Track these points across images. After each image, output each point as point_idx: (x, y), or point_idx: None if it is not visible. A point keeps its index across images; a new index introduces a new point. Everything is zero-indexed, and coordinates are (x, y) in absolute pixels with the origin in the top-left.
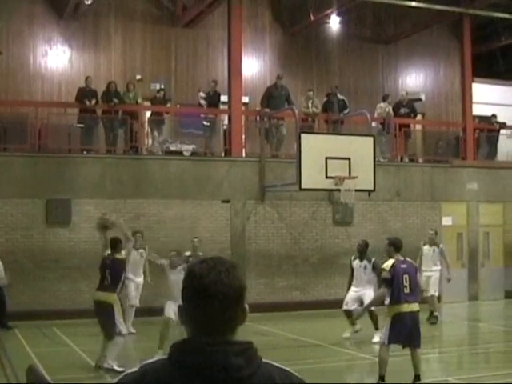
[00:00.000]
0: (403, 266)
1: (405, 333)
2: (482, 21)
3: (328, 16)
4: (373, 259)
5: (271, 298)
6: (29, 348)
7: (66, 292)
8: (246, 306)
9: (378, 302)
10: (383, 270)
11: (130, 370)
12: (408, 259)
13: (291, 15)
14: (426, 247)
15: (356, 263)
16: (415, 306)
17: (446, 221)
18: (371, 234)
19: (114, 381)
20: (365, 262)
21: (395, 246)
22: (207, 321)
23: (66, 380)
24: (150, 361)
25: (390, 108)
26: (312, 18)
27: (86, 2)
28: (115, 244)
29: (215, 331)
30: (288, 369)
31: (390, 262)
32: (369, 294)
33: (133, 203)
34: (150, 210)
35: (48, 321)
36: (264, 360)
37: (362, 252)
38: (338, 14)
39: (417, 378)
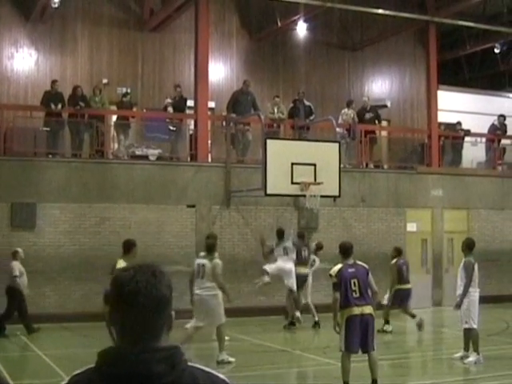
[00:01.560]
0: (351, 270)
1: (358, 337)
2: (447, 29)
3: (295, 22)
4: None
5: (236, 303)
6: None
7: (30, 296)
8: (172, 313)
9: (334, 307)
10: (330, 275)
11: (62, 383)
12: (359, 262)
13: (258, 21)
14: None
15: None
16: (366, 309)
17: (411, 227)
18: (336, 239)
19: None
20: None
21: (342, 251)
22: (129, 329)
23: None
24: (80, 371)
25: (355, 114)
26: (279, 24)
27: (53, 6)
28: None
29: (138, 339)
30: (213, 371)
31: (337, 267)
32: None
33: (98, 207)
34: (116, 214)
35: (12, 325)
36: (190, 363)
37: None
38: (305, 21)
39: (374, 382)
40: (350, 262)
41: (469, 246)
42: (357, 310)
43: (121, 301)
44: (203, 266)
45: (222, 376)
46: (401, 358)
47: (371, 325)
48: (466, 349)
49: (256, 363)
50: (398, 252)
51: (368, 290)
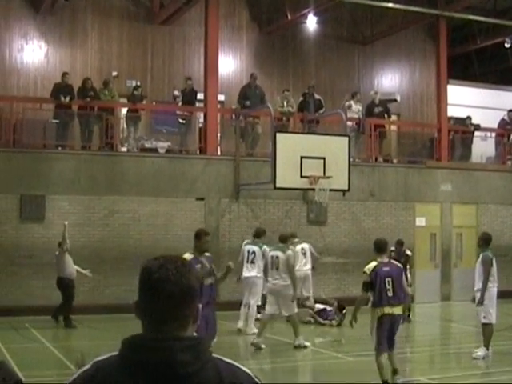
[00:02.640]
0: (385, 268)
1: (386, 336)
2: (457, 23)
3: (305, 16)
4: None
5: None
6: (1, 344)
7: (38, 288)
8: (199, 305)
9: (358, 304)
10: (364, 272)
11: (83, 368)
12: (393, 261)
13: (268, 14)
14: None
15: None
16: (397, 309)
17: (420, 221)
18: (345, 233)
19: (70, 380)
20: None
21: (377, 247)
22: (155, 317)
23: (37, 376)
24: (103, 357)
25: (362, 107)
26: (289, 17)
27: None
28: None
29: (163, 328)
30: (236, 364)
31: (372, 264)
32: None
33: (107, 200)
34: (125, 207)
35: (20, 317)
36: (214, 355)
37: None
38: (315, 14)
39: (395, 371)
40: (385, 260)
41: (486, 241)
42: (389, 310)
43: (149, 288)
44: (277, 257)
45: (245, 368)
46: (409, 352)
47: (398, 324)
48: (488, 346)
49: (266, 357)
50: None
51: (400, 290)
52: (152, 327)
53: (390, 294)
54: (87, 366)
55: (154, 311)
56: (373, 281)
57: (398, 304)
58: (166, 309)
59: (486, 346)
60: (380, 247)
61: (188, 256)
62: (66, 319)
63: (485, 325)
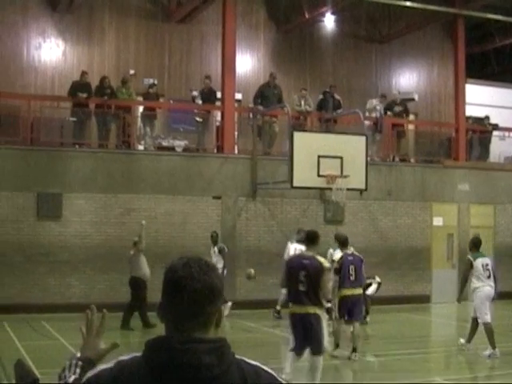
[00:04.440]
0: (350, 258)
1: (347, 310)
2: (475, 22)
3: (322, 14)
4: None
5: (261, 295)
6: (18, 341)
7: (55, 286)
8: (222, 307)
9: (333, 287)
10: (334, 261)
11: (104, 366)
12: (355, 253)
13: (286, 13)
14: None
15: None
16: (357, 290)
17: (437, 221)
18: (362, 232)
19: (89, 374)
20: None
21: (339, 242)
22: (178, 316)
23: (54, 374)
24: (126, 357)
25: (382, 107)
26: (306, 16)
27: None
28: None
29: (186, 327)
30: (259, 364)
31: (339, 255)
32: None
33: (124, 198)
34: (141, 205)
35: (37, 314)
36: (237, 356)
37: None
38: (333, 13)
39: (354, 350)
40: (349, 251)
41: (475, 244)
42: (350, 291)
43: (173, 286)
44: (487, 264)
45: (268, 369)
46: (422, 352)
47: (359, 302)
48: (493, 345)
49: (280, 356)
50: None
51: (360, 275)
52: (175, 326)
53: (352, 278)
54: (110, 365)
55: (177, 308)
56: (340, 267)
57: (359, 286)
58: (189, 306)
59: (492, 345)
60: (344, 241)
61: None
62: (144, 320)
63: (483, 324)
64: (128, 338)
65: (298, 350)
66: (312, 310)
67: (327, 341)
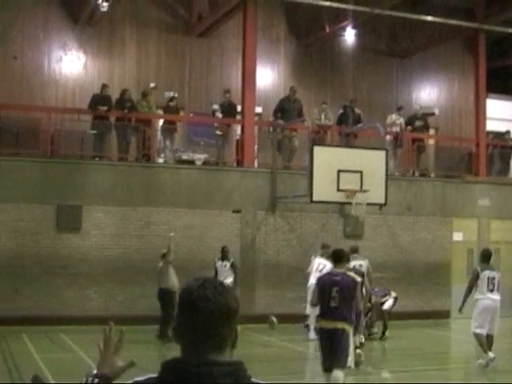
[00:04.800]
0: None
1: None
2: (497, 36)
3: (343, 28)
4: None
5: (279, 309)
6: (36, 353)
7: (74, 298)
8: (238, 327)
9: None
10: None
11: None
12: (350, 273)
13: (306, 27)
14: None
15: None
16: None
17: (457, 236)
18: (381, 247)
19: None
20: (225, 262)
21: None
22: (194, 337)
23: None
24: (142, 378)
25: (402, 120)
26: (327, 30)
27: (102, 9)
28: None
29: (202, 349)
30: None
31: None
32: None
33: (143, 211)
34: (160, 218)
35: (55, 326)
36: (253, 379)
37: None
38: (353, 27)
39: None
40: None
41: (484, 257)
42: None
43: (188, 307)
44: (493, 278)
45: None
46: (441, 369)
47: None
48: (485, 352)
49: (298, 370)
50: None
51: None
52: (190, 347)
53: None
54: None
55: (193, 330)
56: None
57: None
58: (205, 327)
59: (485, 352)
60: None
61: None
62: (162, 331)
63: (474, 334)
64: (146, 351)
65: (325, 366)
66: (341, 325)
67: (352, 359)
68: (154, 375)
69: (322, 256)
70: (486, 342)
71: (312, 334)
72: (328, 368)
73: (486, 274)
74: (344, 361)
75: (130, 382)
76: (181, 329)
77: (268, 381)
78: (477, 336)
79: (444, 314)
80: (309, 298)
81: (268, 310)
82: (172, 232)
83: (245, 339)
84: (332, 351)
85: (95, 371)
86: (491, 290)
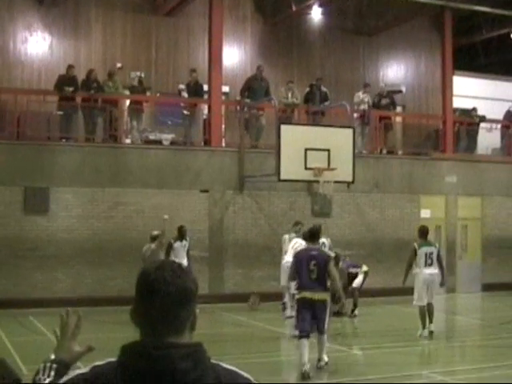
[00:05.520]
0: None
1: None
2: (463, 14)
3: (310, 7)
4: None
5: (249, 288)
6: (5, 337)
7: (42, 281)
8: (197, 310)
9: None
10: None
11: (80, 370)
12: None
13: (273, 5)
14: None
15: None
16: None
17: (425, 213)
18: (349, 225)
19: (65, 378)
20: (184, 242)
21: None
22: (152, 320)
23: None
24: (101, 362)
25: (369, 98)
26: (294, 8)
27: None
28: None
29: (161, 332)
30: (235, 369)
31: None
32: None
33: (111, 192)
34: (129, 199)
35: (24, 309)
36: (213, 361)
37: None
38: (320, 5)
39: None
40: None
41: (422, 233)
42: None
43: (145, 289)
44: (431, 253)
45: (244, 374)
46: (411, 345)
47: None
48: (423, 326)
49: (269, 349)
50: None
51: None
52: (149, 330)
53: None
54: (85, 370)
55: (151, 313)
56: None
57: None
58: (163, 309)
59: (422, 325)
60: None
61: None
62: None
63: (418, 306)
64: (114, 333)
65: (306, 332)
66: (322, 296)
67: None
68: (114, 359)
69: (295, 233)
70: (425, 315)
71: (288, 312)
72: (306, 334)
73: (424, 249)
74: (324, 327)
75: (90, 366)
76: (139, 312)
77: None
78: (421, 309)
79: (412, 291)
80: (283, 275)
81: (237, 289)
82: (166, 215)
83: (215, 319)
84: (314, 319)
85: (53, 356)
86: (429, 265)
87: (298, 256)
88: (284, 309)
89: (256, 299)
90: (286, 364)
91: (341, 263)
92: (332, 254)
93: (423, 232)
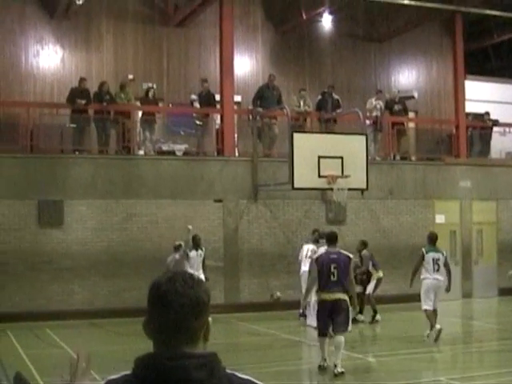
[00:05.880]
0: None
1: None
2: (474, 18)
3: (320, 14)
4: None
5: (264, 297)
6: (21, 349)
7: (58, 293)
8: (210, 319)
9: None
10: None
11: None
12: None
13: (283, 13)
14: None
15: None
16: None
17: (439, 219)
18: (364, 232)
19: None
20: (200, 251)
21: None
22: (165, 331)
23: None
24: (115, 376)
25: (382, 104)
26: (304, 16)
27: (78, 2)
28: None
29: (174, 343)
30: (251, 378)
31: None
32: None
33: (125, 203)
34: (142, 210)
35: (40, 322)
36: (228, 370)
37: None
38: (330, 13)
39: (335, 365)
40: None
41: (430, 239)
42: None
43: (158, 301)
44: (438, 259)
45: (258, 382)
46: (428, 352)
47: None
48: (432, 325)
49: (285, 358)
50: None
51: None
52: (162, 342)
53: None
54: None
55: (164, 324)
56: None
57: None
58: (175, 321)
59: (432, 325)
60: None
61: None
62: None
63: (423, 310)
64: (133, 344)
65: (324, 331)
66: (342, 296)
67: (350, 325)
68: (128, 372)
69: (314, 242)
70: (433, 317)
71: (309, 320)
72: (325, 333)
73: (431, 255)
74: (345, 327)
75: (104, 381)
76: (152, 323)
77: (257, 370)
78: (427, 312)
79: None
80: (303, 285)
81: (253, 298)
82: (190, 225)
83: (231, 328)
84: (333, 319)
85: None
86: (436, 270)
87: (319, 260)
88: (304, 316)
89: (276, 293)
90: (303, 372)
91: (365, 251)
92: (351, 255)
93: (431, 238)
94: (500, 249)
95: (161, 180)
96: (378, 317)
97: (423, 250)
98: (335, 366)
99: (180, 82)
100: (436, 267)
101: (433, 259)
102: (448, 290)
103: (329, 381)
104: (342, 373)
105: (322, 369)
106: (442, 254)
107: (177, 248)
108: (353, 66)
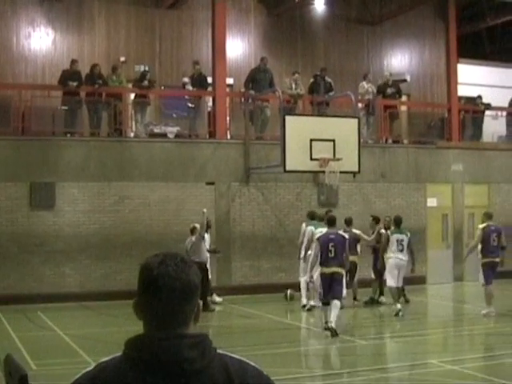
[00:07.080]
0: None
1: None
2: (467, 2)
3: None
4: None
5: (256, 279)
6: (13, 332)
7: (50, 276)
8: (200, 302)
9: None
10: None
11: (86, 370)
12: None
13: None
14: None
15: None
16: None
17: (431, 202)
18: (356, 215)
19: (72, 380)
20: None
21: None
22: (157, 314)
23: (49, 365)
24: (107, 358)
25: (374, 87)
26: None
27: None
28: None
29: (166, 325)
30: (244, 359)
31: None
32: None
33: (117, 186)
34: (135, 192)
35: (32, 305)
36: (219, 351)
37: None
38: None
39: (330, 330)
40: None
41: (395, 222)
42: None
43: (149, 284)
44: (402, 240)
45: (252, 363)
46: (420, 334)
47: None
48: (395, 302)
49: (277, 341)
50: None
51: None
52: (154, 324)
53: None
54: (90, 368)
55: (156, 307)
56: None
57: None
58: (168, 304)
59: (395, 302)
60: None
61: None
62: (203, 303)
63: (388, 287)
64: (124, 326)
65: (325, 299)
66: (337, 269)
67: (345, 292)
68: (118, 354)
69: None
70: (396, 294)
71: (316, 301)
72: (326, 302)
73: (395, 236)
74: (340, 294)
75: (95, 364)
76: (143, 305)
77: (250, 352)
78: (390, 288)
79: (420, 280)
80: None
81: (245, 281)
82: (205, 208)
83: (223, 311)
84: (331, 288)
85: None
86: (400, 250)
87: (320, 239)
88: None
89: (287, 292)
90: (295, 355)
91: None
92: (347, 236)
93: (397, 221)
94: None
95: (153, 162)
96: (382, 298)
97: (388, 232)
98: (330, 322)
99: (172, 64)
100: (400, 247)
101: (397, 240)
102: (412, 270)
103: (320, 364)
104: (335, 331)
105: (326, 329)
106: (406, 235)
107: (192, 230)
108: (345, 49)
